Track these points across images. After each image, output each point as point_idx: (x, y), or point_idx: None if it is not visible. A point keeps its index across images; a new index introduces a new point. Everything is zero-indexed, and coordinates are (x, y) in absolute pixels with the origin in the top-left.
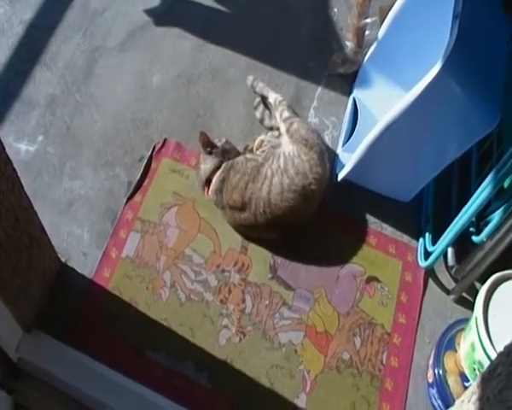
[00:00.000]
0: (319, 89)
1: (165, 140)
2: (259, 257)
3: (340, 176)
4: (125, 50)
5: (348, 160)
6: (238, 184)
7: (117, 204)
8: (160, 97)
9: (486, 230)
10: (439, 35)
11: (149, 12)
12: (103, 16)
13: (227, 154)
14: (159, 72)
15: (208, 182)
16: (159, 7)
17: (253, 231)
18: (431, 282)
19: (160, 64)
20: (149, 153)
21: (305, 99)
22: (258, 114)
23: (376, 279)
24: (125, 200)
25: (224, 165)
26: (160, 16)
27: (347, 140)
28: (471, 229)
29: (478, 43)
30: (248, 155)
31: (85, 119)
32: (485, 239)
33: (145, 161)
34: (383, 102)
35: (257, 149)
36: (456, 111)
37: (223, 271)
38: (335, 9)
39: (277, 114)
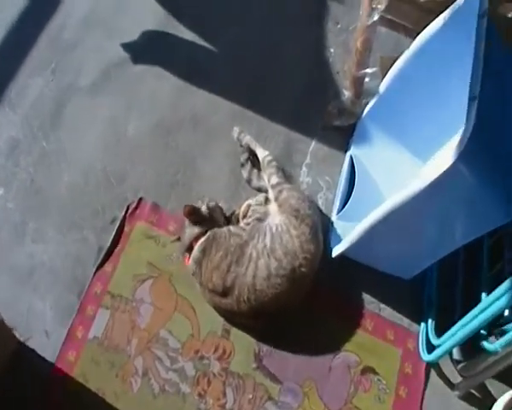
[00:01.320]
0: (313, 143)
1: (140, 200)
2: (243, 343)
3: (335, 253)
4: (98, 92)
5: (344, 229)
6: (220, 265)
7: (85, 274)
8: (136, 149)
9: (502, 341)
10: (445, 94)
11: (127, 47)
12: (75, 51)
13: (213, 213)
14: (135, 119)
15: (190, 248)
16: (137, 41)
17: (234, 317)
18: (433, 373)
19: (137, 110)
20: (122, 214)
21: (297, 154)
22: (245, 174)
23: (373, 371)
24: (94, 269)
25: (208, 233)
26: (138, 52)
27: (343, 206)
28: (482, 331)
29: (496, 128)
30: (232, 228)
31: (52, 170)
32: (499, 349)
33: (117, 224)
34: (383, 163)
35: (243, 217)
36: (469, 200)
37: (201, 358)
38: (332, 50)
39: (266, 177)
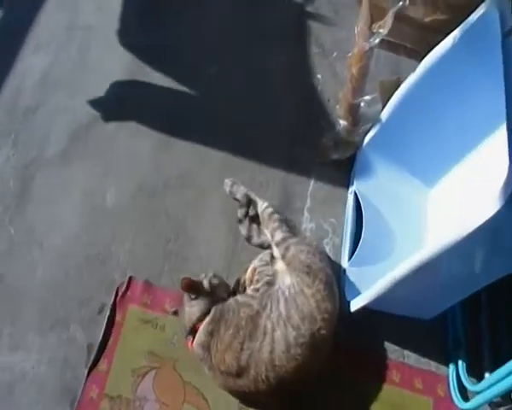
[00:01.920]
0: (311, 183)
1: (129, 280)
2: None
3: (354, 307)
4: (69, 160)
5: (357, 276)
6: (232, 344)
7: (76, 378)
8: (119, 221)
9: None
10: (454, 117)
11: (95, 104)
12: (36, 116)
13: (216, 290)
14: (113, 185)
15: (193, 331)
16: (106, 96)
17: (250, 397)
18: None
19: (115, 175)
20: (111, 300)
21: (296, 199)
22: (243, 231)
23: None
24: (86, 371)
25: (213, 311)
26: (108, 109)
27: (353, 249)
28: None
29: None
30: (240, 298)
31: (24, 262)
32: None
33: (107, 313)
34: (389, 194)
35: (250, 283)
36: (501, 237)
37: None
38: (319, 76)
39: (268, 233)
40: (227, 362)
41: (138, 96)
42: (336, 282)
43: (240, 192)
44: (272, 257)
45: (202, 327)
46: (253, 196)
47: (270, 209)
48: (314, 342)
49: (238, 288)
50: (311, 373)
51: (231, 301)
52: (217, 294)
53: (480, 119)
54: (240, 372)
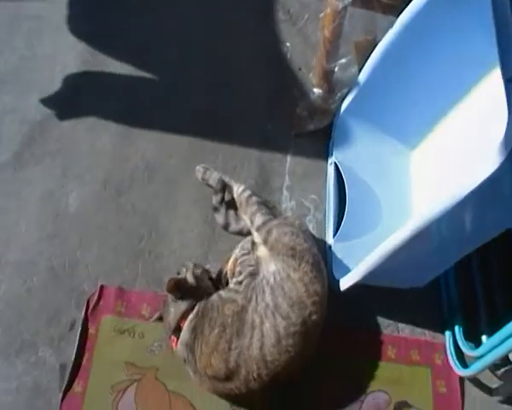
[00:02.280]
0: (288, 159)
1: (101, 289)
2: None
3: (344, 286)
4: (23, 165)
5: (344, 251)
6: (218, 345)
7: (49, 406)
8: (84, 224)
9: None
10: (435, 73)
11: (48, 102)
12: None
13: (201, 282)
14: (75, 187)
15: (178, 329)
16: (60, 92)
17: (243, 397)
18: (467, 383)
19: (75, 175)
20: (83, 313)
21: (274, 177)
22: (220, 219)
23: (406, 405)
24: (60, 396)
25: (196, 308)
26: (63, 105)
27: (337, 223)
28: None
29: None
30: (224, 294)
31: None
32: None
33: (79, 328)
34: (371, 160)
35: (232, 275)
36: (500, 193)
37: None
38: (287, 44)
39: (247, 218)
40: (214, 366)
41: (94, 88)
42: (323, 260)
43: (213, 178)
44: (253, 243)
45: (186, 324)
46: (227, 180)
47: (247, 193)
48: (306, 330)
49: (220, 279)
50: (304, 362)
51: (215, 297)
52: (202, 287)
53: (463, 74)
54: (229, 375)
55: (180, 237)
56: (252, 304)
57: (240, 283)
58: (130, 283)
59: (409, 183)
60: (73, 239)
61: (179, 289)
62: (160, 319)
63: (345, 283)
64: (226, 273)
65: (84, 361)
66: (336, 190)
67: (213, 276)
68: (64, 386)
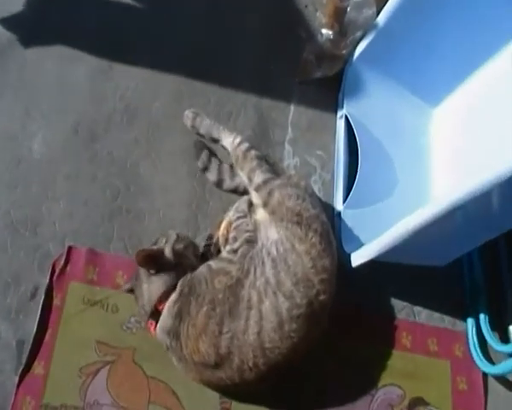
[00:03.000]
0: (292, 108)
1: (69, 250)
2: None
3: (356, 262)
4: None
5: (356, 219)
6: (207, 327)
7: (3, 389)
8: (50, 175)
9: None
10: (463, 27)
11: (10, 24)
12: None
13: (182, 259)
14: (41, 130)
15: (156, 313)
16: (24, 12)
17: (235, 388)
18: (490, 379)
19: (42, 116)
20: (47, 279)
21: (275, 129)
22: (211, 176)
23: (422, 401)
24: (16, 379)
25: (179, 286)
26: (28, 29)
27: (348, 188)
28: None
29: None
30: (214, 264)
31: None
32: None
33: (41, 297)
34: (388, 118)
35: (225, 242)
36: None
37: None
38: None
39: (244, 175)
40: (202, 351)
41: (67, 10)
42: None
43: (204, 126)
44: (251, 204)
45: (167, 308)
46: (221, 129)
47: (244, 145)
48: (312, 312)
49: (210, 249)
50: (309, 349)
51: (203, 268)
52: (183, 263)
53: (494, 26)
54: (219, 362)
55: (164, 193)
56: (249, 278)
57: (235, 251)
58: (104, 245)
59: (427, 145)
60: (38, 191)
61: (152, 262)
62: (131, 291)
63: (357, 259)
64: (218, 241)
65: (47, 337)
66: (346, 148)
67: (200, 251)
68: (22, 367)
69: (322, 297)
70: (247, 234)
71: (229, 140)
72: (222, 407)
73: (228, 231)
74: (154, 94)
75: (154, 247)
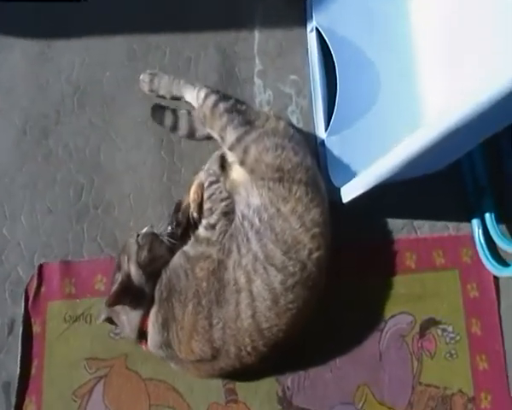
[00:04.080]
0: (256, 35)
1: (40, 268)
2: (259, 395)
3: (347, 197)
4: None
5: (341, 146)
6: (196, 325)
7: None
8: (5, 189)
9: None
10: None
11: None
12: None
13: (153, 264)
14: None
15: (143, 333)
16: None
17: (237, 372)
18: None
19: None
20: (22, 308)
21: (241, 64)
22: (182, 131)
23: (433, 322)
24: None
25: (157, 295)
26: None
27: (330, 112)
28: None
29: None
30: (191, 249)
31: None
32: None
33: (20, 329)
34: (364, 18)
35: (197, 209)
36: None
37: None
38: None
39: (215, 134)
40: (197, 351)
41: None
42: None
43: (163, 85)
44: (224, 161)
45: (151, 324)
46: (181, 84)
47: (210, 100)
48: (308, 275)
49: (178, 221)
50: (310, 316)
51: (179, 258)
52: (156, 267)
53: None
54: (216, 354)
55: (131, 174)
56: (232, 257)
57: (212, 226)
58: (76, 250)
59: (409, 41)
60: None
61: (125, 295)
62: (111, 322)
63: (348, 193)
64: (188, 209)
65: (34, 371)
66: (322, 65)
67: (167, 232)
68: (13, 408)
69: (316, 254)
70: (223, 203)
71: (192, 95)
72: (226, 388)
73: (198, 196)
74: (103, 63)
75: (118, 276)
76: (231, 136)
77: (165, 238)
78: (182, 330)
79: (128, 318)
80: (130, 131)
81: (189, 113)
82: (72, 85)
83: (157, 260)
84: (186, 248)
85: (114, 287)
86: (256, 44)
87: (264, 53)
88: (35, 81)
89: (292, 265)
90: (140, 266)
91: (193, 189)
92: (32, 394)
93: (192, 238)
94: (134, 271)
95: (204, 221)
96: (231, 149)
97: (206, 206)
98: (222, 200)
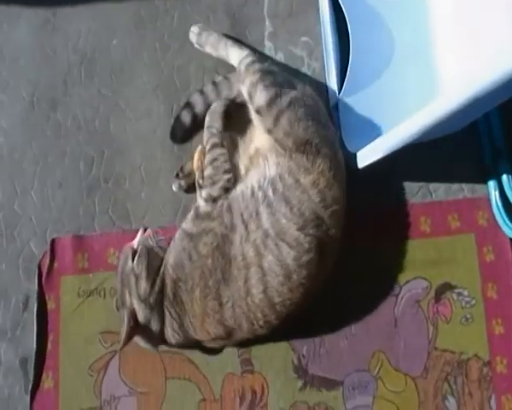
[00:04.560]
0: None
1: (53, 243)
2: (275, 364)
3: (363, 163)
4: None
5: (356, 107)
6: (206, 308)
7: None
8: (15, 163)
9: None
10: None
11: None
12: None
13: (156, 292)
14: None
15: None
16: None
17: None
18: None
19: None
20: (36, 285)
21: (251, 26)
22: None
23: (448, 286)
24: (28, 398)
25: (166, 305)
26: None
27: (343, 75)
28: None
29: None
30: (191, 226)
31: None
32: None
33: (35, 305)
34: None
35: (202, 174)
36: None
37: None
38: None
39: (244, 91)
40: (211, 331)
41: None
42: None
43: (211, 42)
44: (227, 115)
45: (170, 335)
46: (229, 45)
47: (249, 58)
48: (322, 250)
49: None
50: (324, 284)
51: (179, 241)
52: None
53: None
54: (230, 332)
55: (141, 145)
56: (238, 232)
57: (214, 200)
58: (88, 224)
59: (425, 3)
60: (5, 188)
61: (136, 333)
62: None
63: (364, 158)
64: (190, 173)
65: (50, 346)
66: (334, 26)
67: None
68: (31, 384)
69: (333, 232)
70: (226, 177)
71: (236, 56)
72: (241, 359)
73: (202, 162)
74: (109, 31)
75: (123, 314)
76: (261, 96)
77: (158, 248)
78: (194, 317)
79: (144, 340)
80: (139, 99)
81: (201, 92)
82: (79, 54)
83: (157, 273)
84: (186, 226)
85: (123, 330)
86: (266, 6)
87: (275, 15)
88: (41, 51)
89: (308, 242)
90: (142, 299)
91: (196, 156)
92: (48, 369)
93: (192, 213)
94: (137, 306)
95: (204, 192)
96: (260, 112)
97: (207, 172)
98: (225, 171)
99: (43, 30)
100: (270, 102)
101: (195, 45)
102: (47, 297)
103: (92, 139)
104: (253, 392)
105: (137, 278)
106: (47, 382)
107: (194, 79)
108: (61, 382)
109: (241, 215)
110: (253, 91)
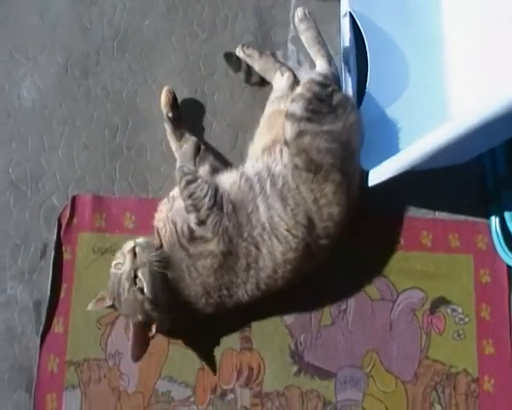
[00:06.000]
0: (292, 2)
1: (73, 200)
2: (273, 345)
3: (374, 181)
4: None
5: (370, 130)
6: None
7: (27, 352)
8: (44, 121)
9: None
10: None
11: None
12: None
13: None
14: (28, 73)
15: None
16: None
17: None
18: None
19: (27, 57)
20: (55, 235)
21: (276, 28)
22: (253, 78)
23: (443, 301)
24: (38, 339)
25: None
26: None
27: (358, 92)
28: None
29: None
30: (187, 245)
31: None
32: None
33: (52, 254)
34: (398, 7)
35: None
36: None
37: (223, 394)
38: None
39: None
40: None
41: None
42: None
43: (309, 36)
44: (198, 151)
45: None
46: (322, 53)
47: (320, 78)
48: (308, 253)
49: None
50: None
51: (177, 253)
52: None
53: None
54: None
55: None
56: (246, 231)
57: (203, 222)
58: (108, 187)
59: (440, 35)
60: (33, 142)
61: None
62: (113, 307)
63: (375, 177)
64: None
65: (63, 294)
66: (353, 47)
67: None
68: (42, 326)
69: (323, 242)
70: (207, 199)
71: (319, 64)
72: (242, 335)
73: (169, 99)
74: (143, 11)
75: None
76: (297, 110)
77: (155, 268)
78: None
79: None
80: (165, 79)
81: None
82: (113, 29)
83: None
84: (183, 241)
85: (130, 340)
86: (292, 11)
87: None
88: (78, 22)
89: (296, 242)
90: (147, 314)
91: (163, 94)
92: (60, 315)
93: (186, 232)
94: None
95: (192, 217)
96: (289, 119)
97: (188, 202)
98: (205, 196)
99: (81, 2)
100: (301, 119)
101: (295, 23)
102: (64, 249)
103: (119, 109)
104: (250, 369)
105: (141, 303)
106: (57, 327)
107: (219, 69)
108: (70, 329)
109: (247, 213)
110: (296, 100)
